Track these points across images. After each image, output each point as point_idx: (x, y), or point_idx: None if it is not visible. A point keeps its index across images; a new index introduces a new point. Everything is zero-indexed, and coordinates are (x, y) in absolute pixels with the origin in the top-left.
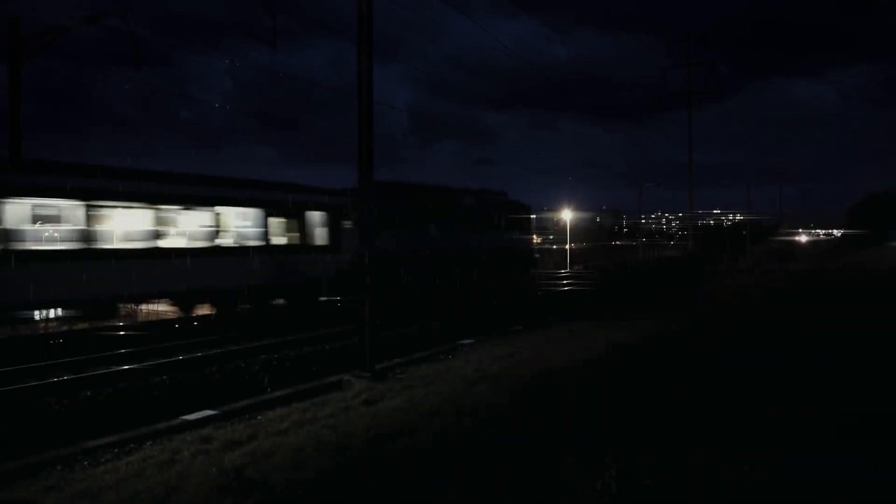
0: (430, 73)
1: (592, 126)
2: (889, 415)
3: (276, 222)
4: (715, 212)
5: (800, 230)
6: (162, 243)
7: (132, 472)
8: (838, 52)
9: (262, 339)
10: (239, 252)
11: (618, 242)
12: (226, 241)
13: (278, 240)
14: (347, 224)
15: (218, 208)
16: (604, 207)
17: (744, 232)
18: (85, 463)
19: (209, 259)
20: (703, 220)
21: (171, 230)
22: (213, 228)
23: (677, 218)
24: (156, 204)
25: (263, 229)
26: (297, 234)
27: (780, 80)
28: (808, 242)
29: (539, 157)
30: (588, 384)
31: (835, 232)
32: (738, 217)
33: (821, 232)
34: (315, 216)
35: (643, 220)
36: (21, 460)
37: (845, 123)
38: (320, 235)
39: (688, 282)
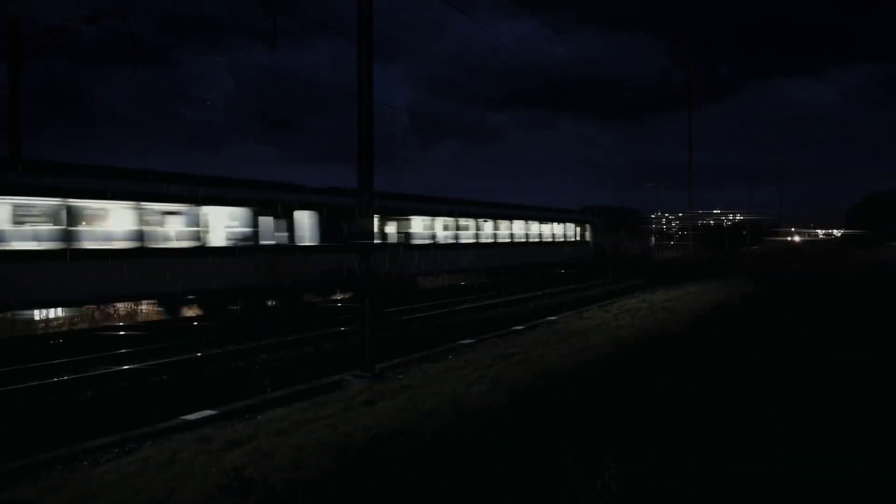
0: (431, 74)
1: (592, 126)
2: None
3: (577, 229)
4: (715, 212)
5: (792, 229)
6: (554, 239)
7: (132, 472)
8: (838, 52)
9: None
10: (562, 244)
11: None
12: (561, 238)
13: (576, 238)
14: (591, 229)
15: (568, 224)
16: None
17: (744, 232)
18: (85, 463)
19: (553, 248)
20: (703, 220)
21: (553, 233)
22: (562, 232)
23: (677, 218)
24: (553, 223)
25: (574, 233)
26: (579, 236)
27: (780, 80)
28: (801, 242)
29: (538, 156)
30: (586, 385)
31: (835, 232)
32: (738, 217)
33: (820, 232)
34: (586, 226)
35: None
36: (21, 460)
37: (845, 123)
38: (585, 236)
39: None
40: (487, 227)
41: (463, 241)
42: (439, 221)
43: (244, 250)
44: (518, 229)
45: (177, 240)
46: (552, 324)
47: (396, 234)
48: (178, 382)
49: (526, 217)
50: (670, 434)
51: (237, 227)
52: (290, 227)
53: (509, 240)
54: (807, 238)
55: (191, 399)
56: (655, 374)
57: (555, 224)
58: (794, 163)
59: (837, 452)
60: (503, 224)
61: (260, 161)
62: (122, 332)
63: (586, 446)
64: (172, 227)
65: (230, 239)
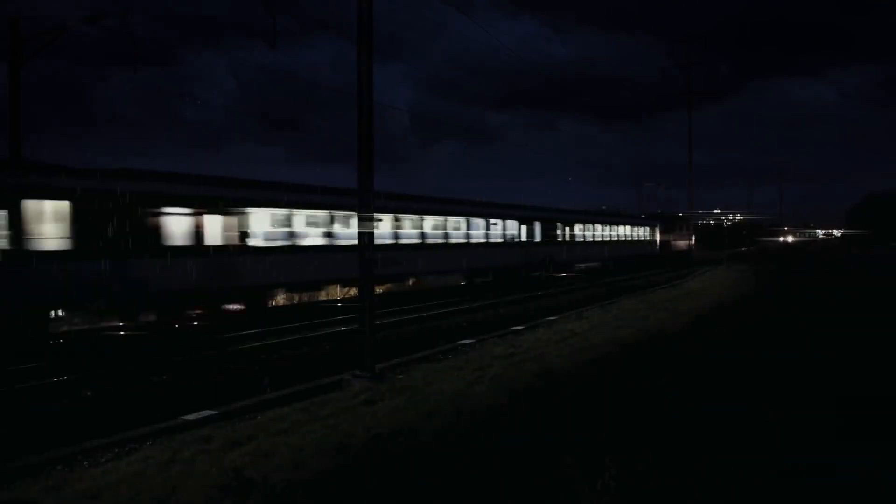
0: (431, 74)
1: (592, 126)
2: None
3: (649, 230)
4: (715, 212)
5: (785, 228)
6: (637, 238)
7: (132, 472)
8: (838, 52)
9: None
10: (643, 242)
11: None
12: (641, 238)
13: (650, 238)
14: (658, 231)
15: (646, 227)
16: (604, 207)
17: (744, 232)
18: (85, 463)
19: (638, 245)
20: (703, 220)
21: (637, 234)
22: (642, 234)
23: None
24: (637, 226)
25: (648, 234)
26: (651, 236)
27: (780, 80)
28: (795, 242)
29: (539, 156)
30: (586, 385)
31: (835, 232)
32: (738, 217)
33: (820, 232)
34: (655, 229)
35: None
36: (21, 460)
37: (845, 123)
38: (655, 236)
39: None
40: (608, 229)
41: (597, 239)
42: (589, 226)
43: (514, 244)
44: (620, 231)
45: (493, 238)
46: (552, 324)
47: (568, 236)
48: (178, 382)
49: (625, 223)
50: (670, 434)
51: (514, 231)
52: (532, 231)
53: (616, 238)
54: (804, 238)
55: (191, 399)
56: (655, 374)
57: (638, 227)
58: (794, 163)
59: (837, 452)
60: (613, 228)
61: (260, 161)
62: (122, 333)
63: (586, 446)
64: (492, 230)
65: (509, 237)
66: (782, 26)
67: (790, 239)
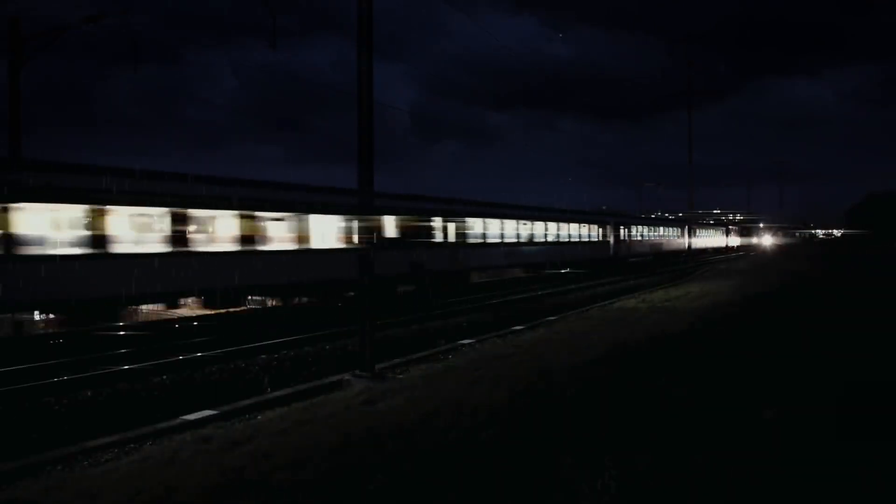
0: (432, 73)
1: (593, 125)
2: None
3: (720, 231)
4: (715, 212)
5: (761, 225)
6: (714, 236)
7: (132, 472)
8: (837, 52)
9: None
10: (717, 240)
11: None
12: (717, 237)
13: (722, 237)
14: (727, 232)
15: (719, 229)
16: (604, 207)
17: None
18: (85, 463)
19: (716, 241)
20: (703, 220)
21: (714, 233)
22: (717, 234)
23: (677, 218)
24: (715, 228)
25: (721, 234)
26: (722, 235)
27: (780, 80)
28: (775, 246)
29: (539, 156)
30: (586, 385)
31: (835, 232)
32: (738, 217)
33: (820, 232)
34: (723, 232)
35: None
36: (21, 460)
37: (845, 123)
38: (724, 236)
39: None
40: (708, 231)
41: (700, 237)
42: (704, 230)
43: (676, 239)
44: (711, 232)
45: (668, 236)
46: (552, 324)
47: (696, 235)
48: (178, 382)
49: (710, 226)
50: (670, 434)
51: (676, 233)
52: (684, 234)
53: (706, 237)
54: (796, 239)
55: (191, 399)
56: (655, 374)
57: (718, 229)
58: (794, 163)
59: (837, 452)
60: (711, 230)
61: (260, 161)
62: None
63: (586, 446)
64: (666, 232)
65: (674, 235)
66: (782, 26)
67: (769, 242)
